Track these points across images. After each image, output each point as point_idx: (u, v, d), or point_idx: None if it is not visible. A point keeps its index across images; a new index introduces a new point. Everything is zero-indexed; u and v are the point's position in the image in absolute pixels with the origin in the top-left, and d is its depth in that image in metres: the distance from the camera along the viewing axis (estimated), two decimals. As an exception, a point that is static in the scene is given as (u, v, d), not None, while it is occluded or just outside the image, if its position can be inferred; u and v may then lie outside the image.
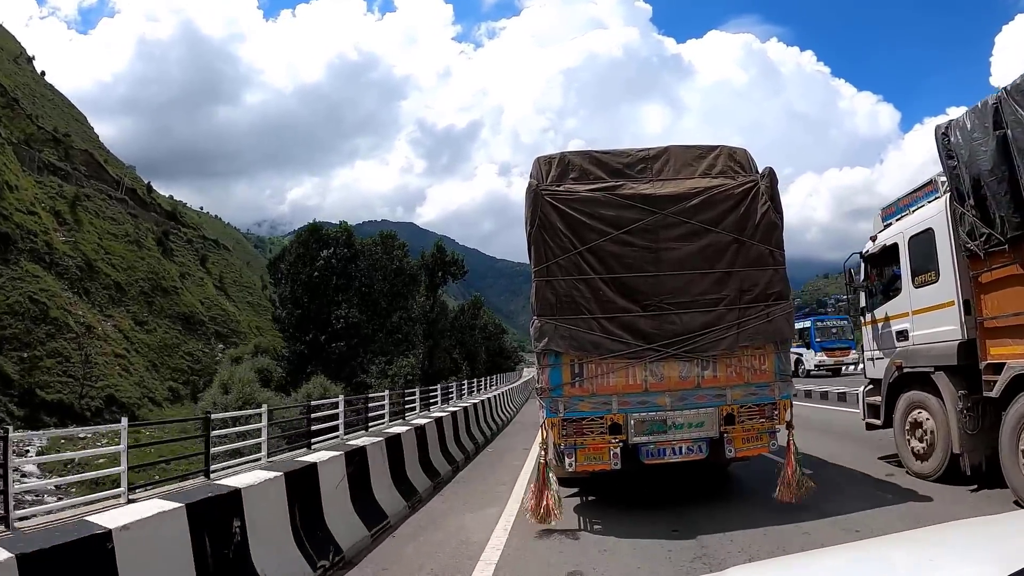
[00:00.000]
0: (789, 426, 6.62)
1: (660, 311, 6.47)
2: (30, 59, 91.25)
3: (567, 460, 6.47)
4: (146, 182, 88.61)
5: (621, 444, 6.40)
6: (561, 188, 6.72)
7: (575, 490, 7.97)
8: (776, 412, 6.64)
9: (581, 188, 6.73)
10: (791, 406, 6.76)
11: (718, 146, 7.39)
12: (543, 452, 6.52)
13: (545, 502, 6.24)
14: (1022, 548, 1.29)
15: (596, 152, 7.34)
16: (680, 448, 6.49)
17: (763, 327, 6.58)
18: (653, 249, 6.54)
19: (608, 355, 6.37)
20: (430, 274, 52.26)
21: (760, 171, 7.00)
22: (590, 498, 7.76)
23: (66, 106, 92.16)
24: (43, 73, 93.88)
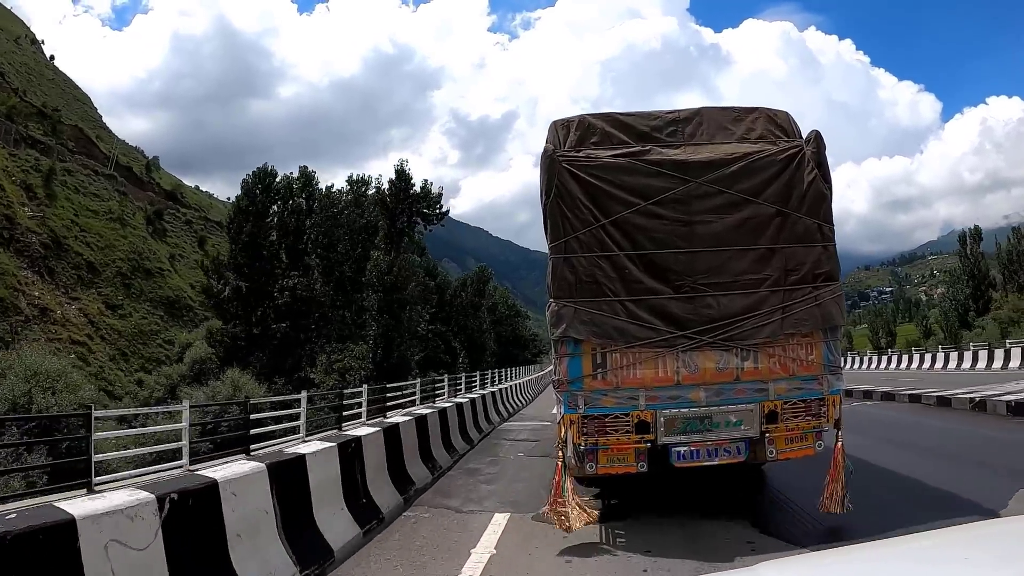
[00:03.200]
0: (837, 425, 6.38)
1: (694, 293, 6.18)
2: (34, 41, 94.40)
3: (588, 463, 6.27)
4: (145, 160, 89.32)
5: (649, 445, 6.16)
6: (581, 154, 6.42)
7: (596, 491, 7.82)
8: (824, 409, 6.35)
9: (603, 154, 6.42)
10: (840, 402, 6.48)
11: (756, 107, 7.05)
12: (560, 453, 6.32)
13: (566, 509, 6.06)
14: None
15: (620, 114, 6.97)
16: (716, 450, 6.24)
17: (811, 312, 6.29)
18: (686, 222, 6.25)
19: (635, 343, 6.09)
20: (389, 217, 40.23)
21: (806, 135, 6.71)
22: (612, 501, 7.59)
23: (70, 87, 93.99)
24: (52, 57, 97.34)
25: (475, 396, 16.36)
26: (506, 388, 23.45)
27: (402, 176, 41.04)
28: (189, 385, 32.52)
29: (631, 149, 6.48)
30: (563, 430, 6.29)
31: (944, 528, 2.06)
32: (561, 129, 6.71)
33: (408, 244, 42.33)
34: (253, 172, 41.02)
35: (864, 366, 49.23)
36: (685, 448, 6.19)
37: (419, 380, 24.47)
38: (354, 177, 43.07)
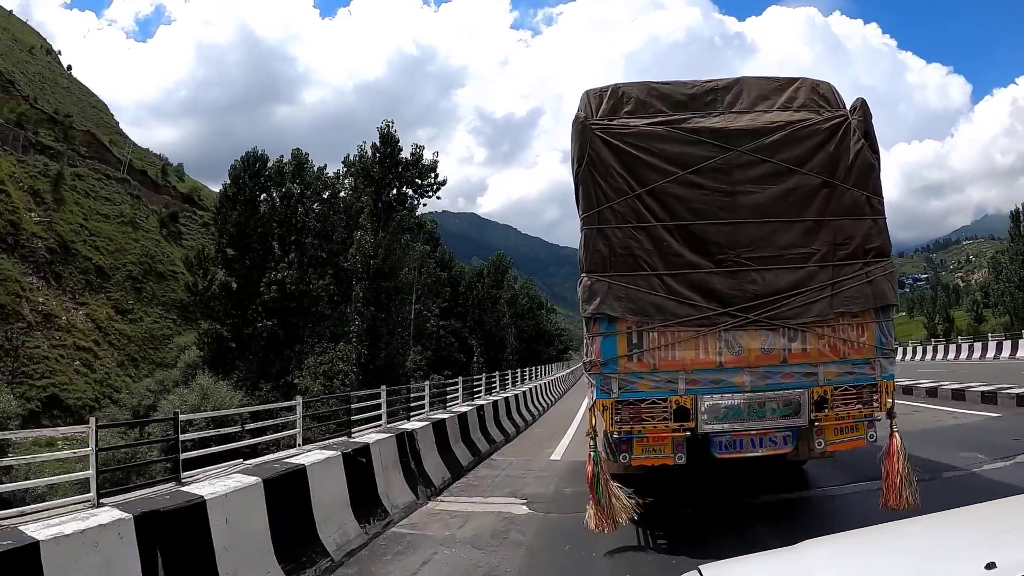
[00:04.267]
0: (891, 414, 6.05)
1: (737, 267, 5.92)
2: (48, 51, 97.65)
3: (621, 454, 6.02)
4: (161, 164, 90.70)
5: (688, 433, 5.88)
6: (615, 122, 6.20)
7: (631, 491, 7.58)
8: (876, 396, 6.04)
9: (639, 122, 6.19)
10: (894, 389, 6.17)
11: (799, 78, 6.77)
12: (591, 443, 6.06)
13: (612, 505, 5.83)
14: None
15: (655, 83, 6.72)
16: (761, 440, 5.96)
17: (862, 289, 6.00)
18: (727, 192, 5.99)
19: (674, 321, 5.82)
20: (374, 189, 34.43)
21: (849, 106, 6.43)
22: (649, 499, 7.35)
23: (85, 95, 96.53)
24: (69, 67, 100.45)
25: (464, 409, 12.82)
26: (520, 394, 20.11)
27: (388, 140, 35.15)
28: (172, 392, 31.14)
29: (668, 117, 6.26)
30: (595, 418, 6.00)
31: (988, 502, 2.02)
32: (594, 98, 6.48)
33: (401, 222, 36.72)
34: (242, 157, 38.66)
35: (921, 357, 43.48)
36: (727, 437, 5.92)
37: (416, 384, 21.73)
38: (351, 158, 39.43)
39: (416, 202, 37.95)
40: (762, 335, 5.89)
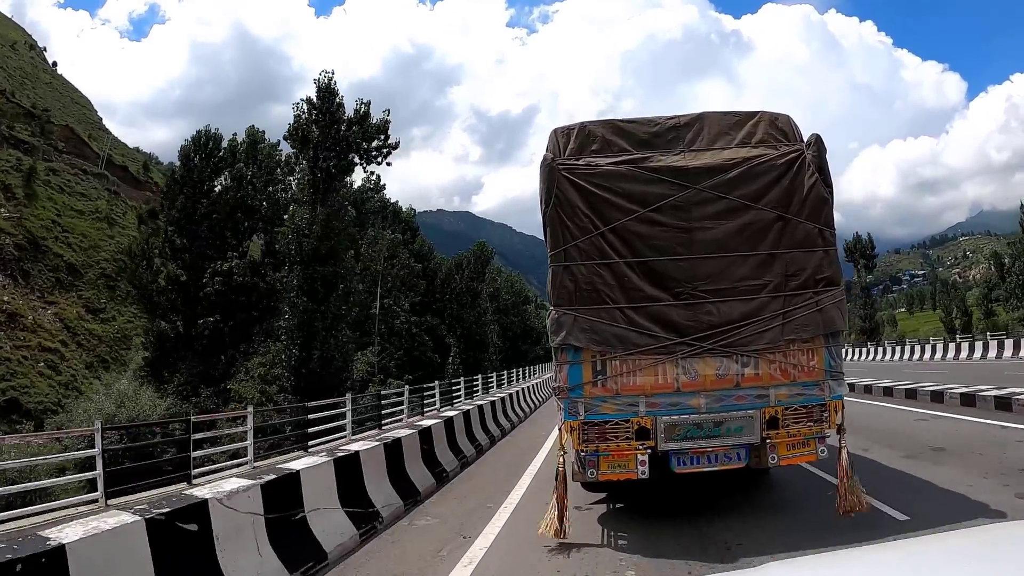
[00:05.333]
0: (840, 430, 6.76)
1: (694, 299, 6.60)
2: (32, 46, 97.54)
3: (589, 470, 6.68)
4: (143, 160, 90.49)
5: (649, 451, 6.57)
6: (580, 162, 6.84)
7: (602, 495, 8.29)
8: (826, 414, 6.74)
9: (603, 161, 6.84)
10: (843, 407, 6.86)
11: (758, 112, 7.42)
12: (561, 458, 6.76)
13: (563, 516, 6.53)
14: None
15: (620, 121, 7.39)
16: (716, 456, 6.66)
17: (812, 317, 6.68)
18: (686, 229, 6.66)
19: (634, 350, 6.52)
20: (312, 154, 29.16)
21: (806, 139, 7.08)
22: (617, 505, 8.05)
23: (68, 90, 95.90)
24: (55, 64, 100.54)
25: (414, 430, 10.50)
26: (488, 404, 16.71)
27: (327, 95, 29.82)
28: (87, 398, 28.81)
29: (631, 156, 6.90)
30: (564, 437, 6.72)
31: (958, 530, 2.13)
32: (561, 137, 7.13)
33: (344, 195, 31.87)
34: (192, 136, 35.98)
35: (935, 356, 39.90)
36: (685, 454, 6.63)
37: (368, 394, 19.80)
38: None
39: (364, 169, 32.87)
40: (717, 361, 6.60)
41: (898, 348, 47.38)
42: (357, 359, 33.30)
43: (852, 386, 17.77)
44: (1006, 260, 62.05)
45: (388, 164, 32.29)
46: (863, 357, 48.90)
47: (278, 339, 29.23)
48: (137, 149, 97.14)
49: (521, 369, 36.96)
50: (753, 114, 7.43)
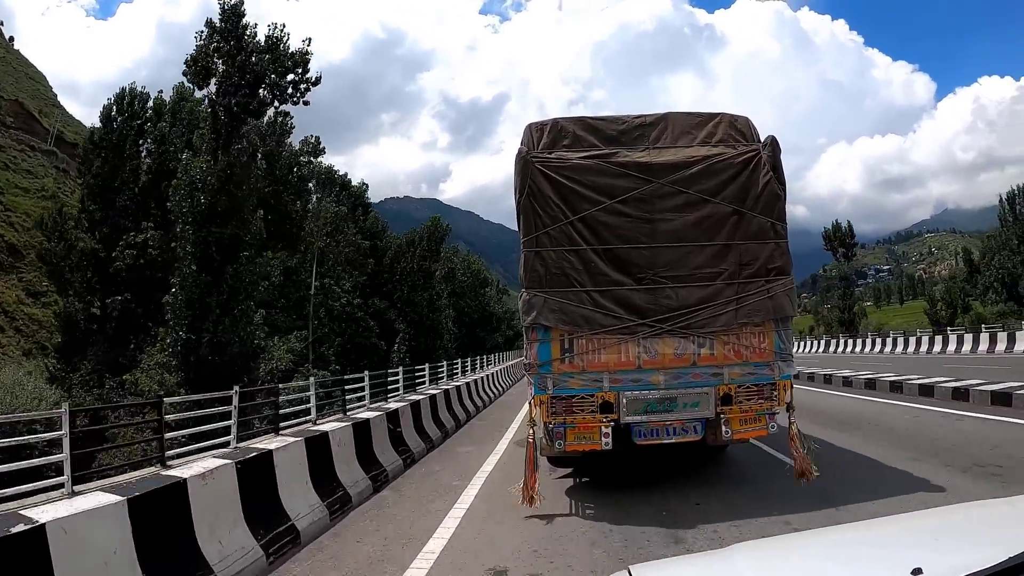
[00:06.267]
0: (789, 408, 7.54)
1: (655, 285, 7.33)
2: None
3: (557, 441, 7.37)
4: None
5: (613, 424, 7.28)
6: (552, 155, 7.52)
7: (570, 470, 9.00)
8: (776, 393, 7.51)
9: (573, 156, 7.53)
10: (792, 387, 7.66)
11: (719, 113, 8.19)
12: (532, 431, 7.44)
13: (533, 485, 7.20)
14: None
15: (590, 118, 8.12)
16: (674, 429, 7.40)
17: (763, 303, 7.45)
18: (648, 220, 7.38)
19: (599, 330, 7.24)
20: (218, 90, 24.66)
21: (762, 140, 7.82)
22: (584, 479, 8.77)
23: (23, 65, 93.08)
24: (11, 39, 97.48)
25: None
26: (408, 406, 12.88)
27: (232, 18, 25.06)
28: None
29: (600, 151, 7.61)
30: (534, 409, 7.41)
31: (914, 512, 2.26)
32: (535, 131, 7.82)
33: (251, 140, 26.70)
34: (116, 94, 32.73)
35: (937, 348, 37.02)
36: (645, 427, 7.37)
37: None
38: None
39: (276, 109, 27.37)
40: (675, 342, 7.35)
41: (879, 340, 45.68)
42: (274, 345, 29.88)
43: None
44: (975, 256, 63.74)
45: (305, 103, 27.03)
46: (844, 349, 48.78)
47: (163, 319, 24.39)
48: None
49: (480, 358, 32.59)
50: (714, 115, 8.19)
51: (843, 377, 20.31)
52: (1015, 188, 57.35)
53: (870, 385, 18.17)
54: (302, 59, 26.12)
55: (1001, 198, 58.19)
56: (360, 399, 13.31)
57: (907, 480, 7.75)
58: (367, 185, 52.39)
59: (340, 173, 49.32)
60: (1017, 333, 31.61)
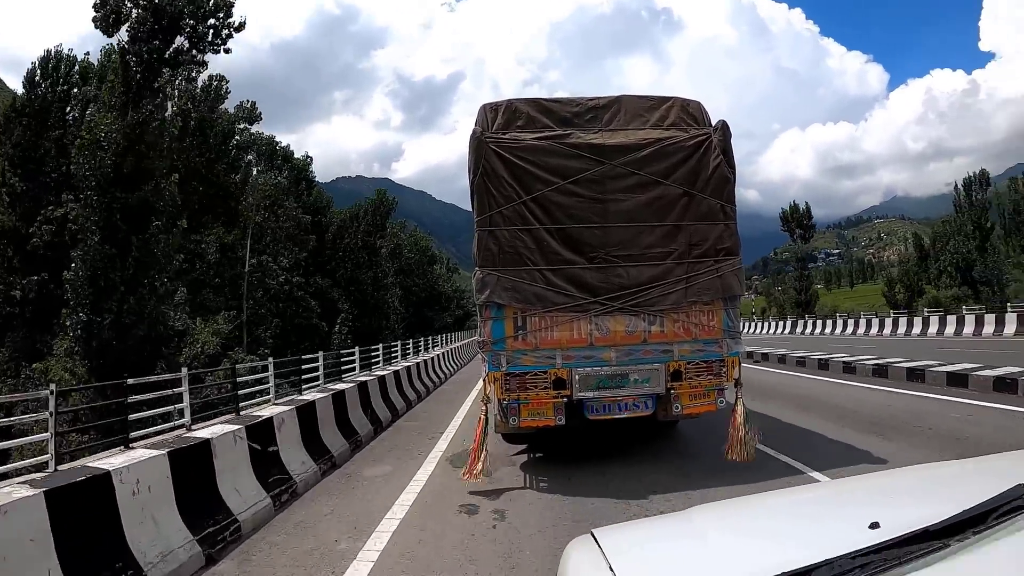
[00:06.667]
0: (737, 384, 7.83)
1: (607, 264, 7.54)
2: None
3: (511, 417, 7.56)
4: None
5: (565, 400, 7.49)
6: (507, 136, 7.66)
7: (524, 447, 9.20)
8: (724, 369, 7.80)
9: (527, 136, 7.68)
10: (740, 364, 7.96)
11: (671, 97, 8.42)
12: (484, 408, 7.61)
13: (483, 461, 7.38)
14: (975, 491, 1.44)
15: (544, 100, 8.29)
16: (626, 404, 7.64)
17: (712, 283, 7.72)
18: (600, 200, 7.57)
19: (552, 308, 7.43)
20: (130, 37, 23.11)
21: (714, 124, 8.05)
22: (538, 455, 8.97)
23: None
24: None
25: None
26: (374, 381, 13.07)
27: None
28: None
29: (553, 133, 7.78)
30: (488, 387, 7.58)
31: (868, 474, 2.31)
32: (490, 112, 7.94)
33: (166, 95, 24.92)
34: (40, 57, 30.58)
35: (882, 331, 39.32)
36: (597, 403, 7.60)
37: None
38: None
39: (196, 59, 24.77)
40: (626, 319, 7.57)
41: (830, 322, 48.92)
42: (197, 328, 27.73)
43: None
44: (926, 241, 65.47)
45: (227, 51, 25.29)
46: (807, 330, 50.14)
47: (64, 298, 21.77)
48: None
49: (427, 339, 31.27)
50: (667, 99, 8.41)
51: (843, 363, 17.98)
52: (971, 175, 58.67)
53: (880, 372, 15.85)
54: (224, 2, 24.26)
55: (956, 184, 59.51)
56: (264, 392, 11.40)
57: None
58: (311, 158, 51.04)
59: (283, 145, 47.63)
60: (986, 316, 32.50)
